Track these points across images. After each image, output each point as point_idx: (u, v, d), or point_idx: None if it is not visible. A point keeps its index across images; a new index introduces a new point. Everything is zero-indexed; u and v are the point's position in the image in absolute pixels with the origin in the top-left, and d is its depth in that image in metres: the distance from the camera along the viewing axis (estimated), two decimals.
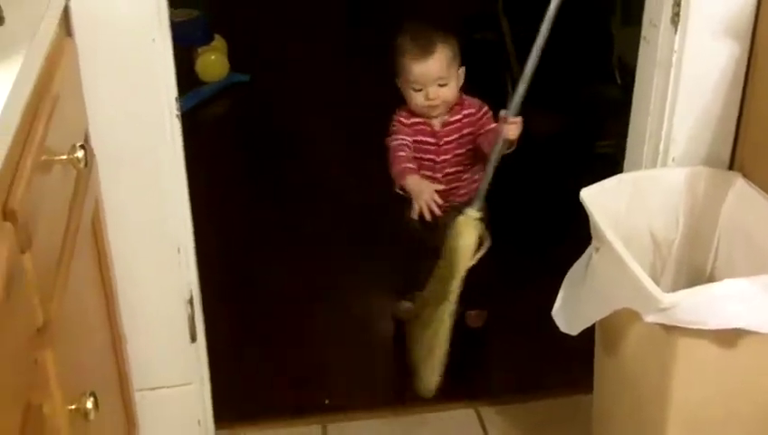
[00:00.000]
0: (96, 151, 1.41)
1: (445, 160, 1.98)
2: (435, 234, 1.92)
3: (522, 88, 1.75)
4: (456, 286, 1.80)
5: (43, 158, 1.05)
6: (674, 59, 1.57)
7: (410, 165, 1.92)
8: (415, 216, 1.87)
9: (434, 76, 1.87)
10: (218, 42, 3.41)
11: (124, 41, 1.41)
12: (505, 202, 2.43)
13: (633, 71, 1.73)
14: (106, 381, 1.39)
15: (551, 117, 2.79)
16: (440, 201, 1.86)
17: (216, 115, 3.33)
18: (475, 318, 2.14)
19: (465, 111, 1.95)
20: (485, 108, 1.97)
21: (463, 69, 1.93)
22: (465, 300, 2.13)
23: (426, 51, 1.86)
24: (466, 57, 1.97)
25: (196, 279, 1.66)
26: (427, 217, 1.85)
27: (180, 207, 1.57)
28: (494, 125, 1.90)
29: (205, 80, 3.34)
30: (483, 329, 2.13)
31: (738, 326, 1.27)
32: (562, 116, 2.80)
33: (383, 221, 2.39)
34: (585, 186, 1.56)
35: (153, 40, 1.43)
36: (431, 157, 1.97)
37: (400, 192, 1.94)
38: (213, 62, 3.36)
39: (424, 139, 1.96)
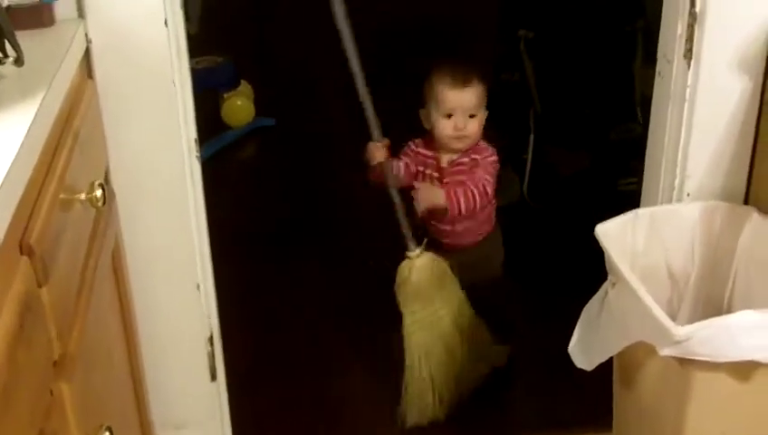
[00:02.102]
0: (117, 190, 1.45)
1: None
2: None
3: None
4: (442, 307, 1.92)
5: (62, 196, 1.09)
6: (687, 93, 1.58)
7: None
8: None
9: (466, 106, 1.91)
10: (244, 87, 3.47)
11: (145, 83, 1.45)
12: (529, 240, 2.45)
13: None
14: (125, 417, 1.41)
15: (575, 156, 2.81)
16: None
17: (242, 159, 3.38)
18: (496, 355, 2.13)
19: (474, 156, 1.96)
20: (492, 157, 1.96)
21: (486, 113, 1.96)
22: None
23: (464, 80, 1.92)
24: (494, 97, 2.01)
25: (216, 317, 1.68)
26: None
27: (199, 245, 1.60)
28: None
29: (231, 124, 3.40)
30: (506, 366, 2.13)
31: (753, 358, 1.27)
32: (586, 155, 2.81)
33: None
34: None
35: (173, 82, 1.47)
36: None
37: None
38: (239, 107, 3.42)
39: (428, 172, 1.99)
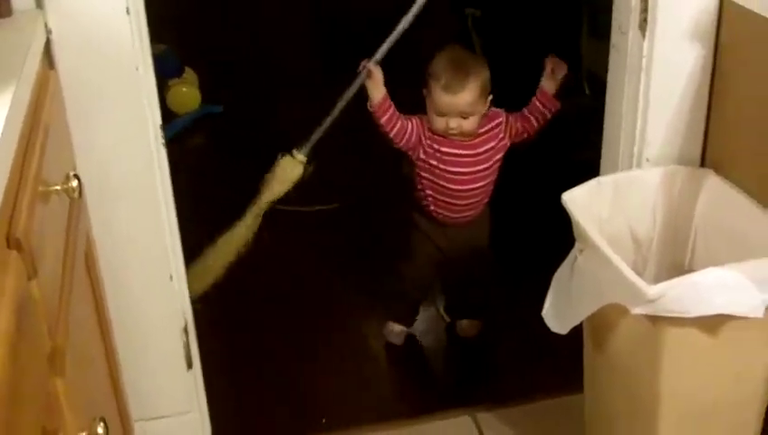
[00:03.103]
0: (84, 181, 1.42)
1: (485, 169, 1.97)
2: (439, 233, 2.02)
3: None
4: (259, 209, 2.09)
5: (40, 188, 1.07)
6: (643, 64, 1.61)
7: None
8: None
9: (459, 109, 1.87)
10: (188, 74, 3.43)
11: (108, 71, 1.43)
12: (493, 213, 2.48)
13: (602, 81, 1.78)
14: (107, 409, 1.40)
15: None
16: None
17: (192, 146, 3.33)
18: (467, 328, 2.17)
19: (495, 122, 1.96)
20: (504, 112, 1.99)
21: (490, 97, 1.92)
22: (457, 310, 2.18)
23: (457, 85, 1.84)
24: None
25: (190, 306, 1.67)
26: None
27: (170, 234, 1.59)
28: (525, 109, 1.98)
29: (177, 112, 3.36)
30: (476, 338, 2.16)
31: (721, 312, 1.32)
32: None
33: (375, 246, 2.42)
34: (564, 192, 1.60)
35: (137, 68, 1.45)
36: (468, 170, 1.95)
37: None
38: (184, 94, 3.38)
39: (453, 151, 1.94)
